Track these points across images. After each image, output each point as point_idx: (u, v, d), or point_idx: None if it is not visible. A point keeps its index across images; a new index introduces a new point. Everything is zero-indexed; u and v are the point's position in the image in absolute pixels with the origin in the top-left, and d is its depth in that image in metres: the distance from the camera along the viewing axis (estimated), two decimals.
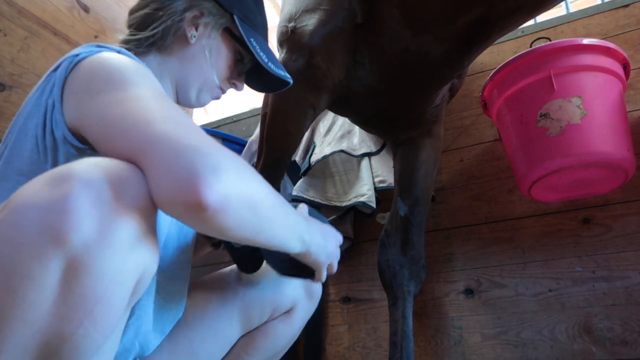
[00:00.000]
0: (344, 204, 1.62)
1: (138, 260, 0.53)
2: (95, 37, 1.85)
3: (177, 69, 0.84)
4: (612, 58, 1.25)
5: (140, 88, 0.63)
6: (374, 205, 1.59)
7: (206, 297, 0.93)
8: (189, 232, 0.92)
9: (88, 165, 0.51)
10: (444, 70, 1.18)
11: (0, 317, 0.46)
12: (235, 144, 1.95)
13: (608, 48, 1.23)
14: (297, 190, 1.64)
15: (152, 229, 0.55)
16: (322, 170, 1.73)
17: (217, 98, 0.92)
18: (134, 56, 0.74)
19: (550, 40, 1.37)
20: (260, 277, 0.96)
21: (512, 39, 1.70)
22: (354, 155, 1.70)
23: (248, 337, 0.96)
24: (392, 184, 1.49)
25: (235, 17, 0.84)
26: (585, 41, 1.23)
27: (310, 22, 1.12)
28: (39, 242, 0.46)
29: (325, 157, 1.68)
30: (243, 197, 0.55)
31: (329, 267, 0.83)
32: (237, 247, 0.87)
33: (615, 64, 1.25)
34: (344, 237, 1.67)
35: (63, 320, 0.48)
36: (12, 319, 0.46)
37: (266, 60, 0.86)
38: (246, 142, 1.96)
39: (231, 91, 0.95)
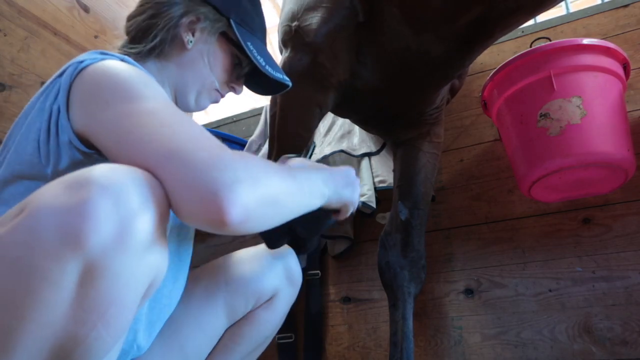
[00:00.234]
0: None
1: (151, 264, 0.54)
2: (95, 37, 1.85)
3: (176, 74, 0.85)
4: (612, 58, 1.25)
5: (150, 100, 0.64)
6: (374, 205, 1.59)
7: (190, 291, 0.95)
8: (188, 231, 0.92)
9: (105, 171, 0.52)
10: (444, 69, 1.18)
11: (17, 319, 0.47)
12: (235, 144, 1.95)
13: (608, 48, 1.23)
14: None
15: (164, 233, 0.56)
16: None
17: (216, 102, 0.92)
18: (136, 64, 0.75)
19: (550, 40, 1.37)
20: (242, 268, 0.98)
21: (512, 39, 1.70)
22: (354, 155, 1.70)
23: (234, 327, 0.98)
24: (392, 184, 1.49)
25: (231, 21, 0.84)
26: (585, 41, 1.23)
27: (313, 20, 1.12)
28: (58, 244, 0.47)
29: (325, 157, 1.68)
30: (263, 199, 0.58)
31: (346, 206, 0.86)
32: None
33: (615, 64, 1.25)
34: (344, 237, 1.68)
35: (78, 322, 0.49)
36: (28, 321, 0.47)
37: (263, 63, 0.86)
38: (246, 142, 1.96)
39: (231, 93, 0.96)
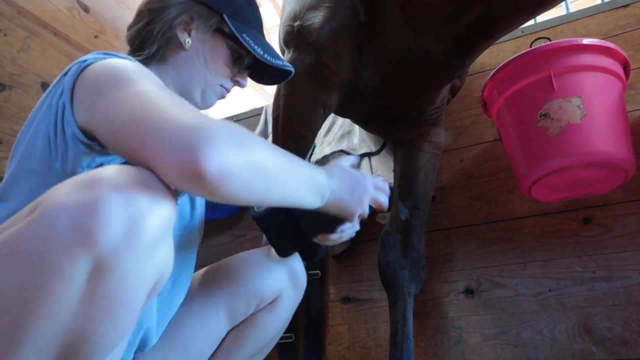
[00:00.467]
0: None
1: (158, 263, 0.56)
2: (95, 37, 1.85)
3: (178, 75, 0.86)
4: (612, 58, 1.25)
5: (139, 84, 0.66)
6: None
7: (192, 293, 0.95)
8: (193, 226, 0.93)
9: (115, 171, 0.54)
10: (445, 69, 1.18)
11: (27, 314, 0.48)
12: None
13: (608, 48, 1.23)
14: None
15: (170, 232, 0.58)
16: None
17: (223, 97, 0.94)
18: (134, 60, 0.78)
19: (550, 40, 1.37)
20: (243, 270, 0.98)
21: (512, 39, 1.70)
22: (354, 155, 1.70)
23: (237, 329, 0.98)
24: (392, 184, 1.49)
25: (224, 16, 0.86)
26: (585, 41, 1.23)
27: (316, 19, 1.12)
28: (70, 241, 0.48)
29: (325, 157, 1.68)
30: (245, 162, 0.59)
31: (361, 214, 0.84)
32: (265, 219, 0.87)
33: (615, 64, 1.25)
34: None
35: (86, 318, 0.50)
36: (38, 316, 0.48)
37: (261, 52, 0.87)
38: None
39: (233, 90, 0.97)
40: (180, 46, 0.85)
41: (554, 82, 1.21)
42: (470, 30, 1.04)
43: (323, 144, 1.77)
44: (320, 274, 1.70)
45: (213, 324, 0.93)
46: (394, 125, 1.40)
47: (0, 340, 0.47)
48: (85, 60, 0.73)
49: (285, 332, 1.61)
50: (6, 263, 0.49)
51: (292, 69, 0.95)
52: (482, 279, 1.49)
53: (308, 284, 1.08)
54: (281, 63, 0.92)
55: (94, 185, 0.51)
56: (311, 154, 1.73)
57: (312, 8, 1.13)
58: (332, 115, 1.83)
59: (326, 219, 0.85)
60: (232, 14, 0.87)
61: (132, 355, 0.82)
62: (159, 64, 0.86)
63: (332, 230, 0.89)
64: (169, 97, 0.64)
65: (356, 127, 1.74)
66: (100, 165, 0.70)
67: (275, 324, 1.00)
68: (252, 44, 0.86)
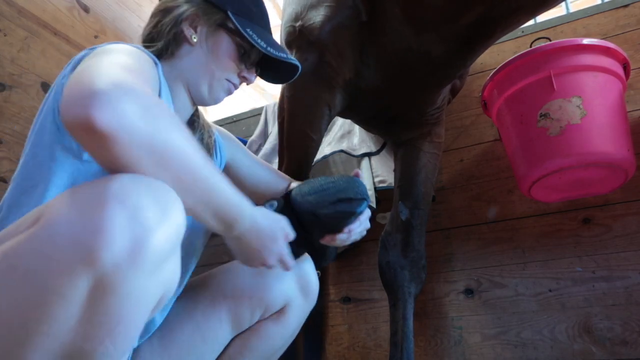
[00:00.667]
0: None
1: (163, 279, 0.54)
2: (95, 37, 1.85)
3: (186, 71, 0.88)
4: (612, 58, 1.25)
5: (111, 55, 0.66)
6: (374, 205, 1.59)
7: (194, 298, 0.93)
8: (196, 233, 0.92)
9: (124, 183, 0.51)
10: (445, 69, 1.18)
11: (26, 331, 0.47)
12: None
13: (608, 48, 1.23)
14: None
15: (178, 245, 0.56)
16: (322, 171, 1.73)
17: (230, 92, 0.95)
18: (144, 49, 0.80)
19: (550, 40, 1.37)
20: (249, 274, 0.95)
21: (512, 39, 1.70)
22: (354, 155, 1.70)
23: (241, 337, 0.94)
24: (392, 184, 1.49)
25: (229, 13, 0.88)
26: (585, 41, 1.23)
27: (317, 19, 1.12)
28: (70, 259, 0.46)
29: (325, 158, 1.68)
30: (140, 134, 0.54)
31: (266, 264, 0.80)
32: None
33: (615, 64, 1.25)
34: None
35: (86, 337, 0.48)
36: (37, 334, 0.47)
37: (265, 45, 0.88)
38: (246, 142, 1.96)
39: (244, 88, 0.97)
40: (187, 41, 0.88)
41: (554, 82, 1.21)
42: (470, 30, 1.04)
43: (323, 144, 1.77)
44: (320, 274, 1.70)
45: (215, 331, 0.90)
46: (394, 125, 1.40)
47: None
48: (83, 56, 0.75)
49: None
50: (5, 277, 0.47)
51: (298, 63, 0.95)
52: (482, 279, 1.49)
53: None
54: (285, 56, 0.93)
55: (98, 198, 0.49)
56: None
57: (312, 8, 1.13)
58: None
59: (333, 219, 0.84)
60: (236, 11, 0.89)
61: (136, 342, 0.82)
62: (168, 59, 0.88)
63: (339, 230, 0.86)
64: (124, 66, 0.63)
65: (356, 127, 1.74)
66: None
67: (281, 336, 0.96)
68: (256, 38, 0.88)
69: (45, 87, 1.59)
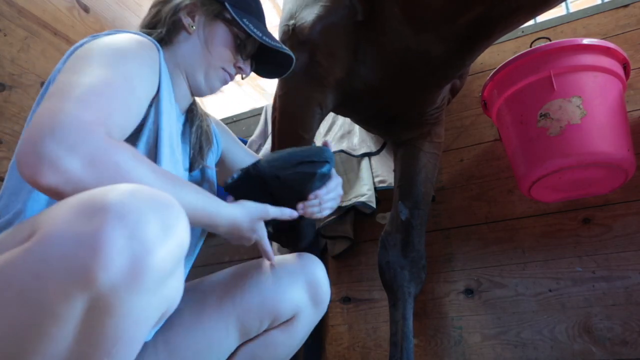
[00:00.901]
0: (344, 204, 1.62)
1: (165, 296, 0.52)
2: None
3: (184, 58, 0.90)
4: (612, 58, 1.25)
5: (87, 68, 0.67)
6: (374, 205, 1.59)
7: (202, 303, 0.90)
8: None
9: (124, 195, 0.49)
10: (445, 69, 1.18)
11: (21, 349, 0.46)
12: None
13: (608, 48, 1.23)
14: None
15: (182, 260, 0.54)
16: None
17: (226, 82, 0.96)
18: (145, 35, 0.82)
19: (550, 40, 1.37)
20: (258, 282, 0.92)
21: (512, 39, 1.70)
22: (354, 155, 1.70)
23: (247, 346, 0.92)
24: (392, 184, 1.49)
25: (226, 3, 0.90)
26: (585, 41, 1.23)
27: (308, 18, 1.12)
28: (66, 280, 0.45)
29: None
30: (85, 184, 0.56)
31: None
32: (237, 188, 0.87)
33: (615, 64, 1.25)
34: (344, 237, 1.68)
35: (83, 357, 0.47)
36: (32, 353, 0.46)
37: (260, 35, 0.90)
38: (246, 142, 1.96)
39: (233, 90, 0.98)
40: (185, 29, 0.90)
41: (554, 82, 1.21)
42: (470, 30, 1.04)
43: None
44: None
45: (221, 339, 0.88)
46: (394, 125, 1.40)
47: None
48: (82, 42, 0.76)
49: None
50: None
51: (292, 54, 0.97)
52: (482, 279, 1.49)
53: None
54: (280, 45, 0.94)
55: (97, 213, 0.46)
56: None
57: (307, 7, 1.14)
58: (332, 115, 1.83)
59: (294, 180, 0.84)
60: (233, 3, 0.91)
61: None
62: (166, 46, 0.90)
63: (304, 193, 0.87)
64: (94, 90, 0.64)
65: (356, 127, 1.74)
66: None
67: (289, 345, 0.93)
68: (252, 27, 0.90)
69: None
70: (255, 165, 0.86)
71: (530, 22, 1.70)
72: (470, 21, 1.02)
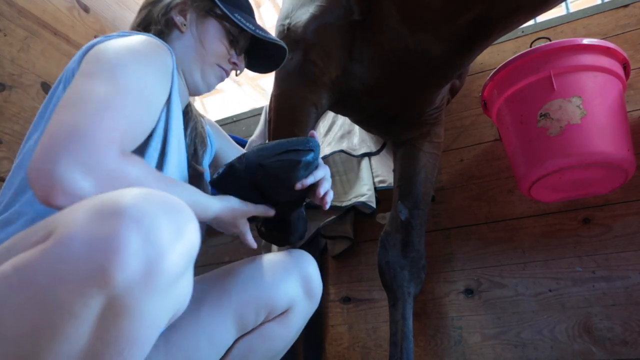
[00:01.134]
0: (344, 204, 1.62)
1: (176, 298, 0.54)
2: (95, 37, 1.85)
3: (179, 57, 0.91)
4: (612, 58, 1.25)
5: (104, 81, 0.68)
6: (374, 205, 1.59)
7: (199, 298, 0.92)
8: None
9: (139, 199, 0.50)
10: (444, 69, 1.18)
11: (36, 348, 0.46)
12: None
13: (608, 48, 1.23)
14: None
15: (192, 262, 0.56)
16: None
17: (222, 79, 0.98)
18: (159, 39, 0.82)
19: (550, 40, 1.37)
20: (254, 277, 0.95)
21: (512, 39, 1.70)
22: (354, 155, 1.70)
23: (244, 339, 0.94)
24: (392, 184, 1.49)
25: (216, 0, 0.92)
26: (585, 41, 1.23)
27: (304, 17, 1.13)
28: (83, 279, 0.46)
29: (325, 158, 1.68)
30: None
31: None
32: (222, 183, 0.88)
33: (615, 64, 1.25)
34: (344, 237, 1.68)
35: (95, 356, 0.48)
36: (46, 351, 0.47)
37: (253, 28, 0.92)
38: (246, 142, 1.96)
39: (233, 90, 0.98)
40: (177, 28, 0.91)
41: (554, 82, 1.21)
42: (469, 30, 1.04)
43: (323, 144, 1.77)
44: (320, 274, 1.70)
45: (219, 332, 0.90)
46: (393, 125, 1.40)
47: None
48: (95, 43, 0.77)
49: None
50: (16, 294, 0.47)
51: (285, 45, 0.98)
52: (482, 279, 1.49)
53: None
54: (271, 37, 0.96)
55: (113, 216, 0.48)
56: None
57: (303, 7, 1.14)
58: (333, 115, 1.83)
59: (279, 168, 0.84)
60: None
61: None
62: None
63: (290, 183, 0.86)
64: (106, 103, 0.65)
65: (356, 127, 1.74)
66: None
67: (285, 337, 0.95)
68: (244, 21, 0.91)
69: (45, 87, 1.59)
70: (240, 157, 0.86)
71: (530, 22, 1.70)
72: (469, 21, 1.02)
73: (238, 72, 1.01)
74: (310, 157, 0.86)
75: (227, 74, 0.98)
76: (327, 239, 1.73)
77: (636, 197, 1.38)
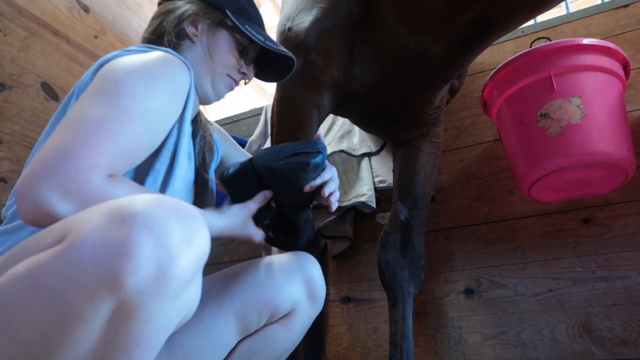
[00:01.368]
0: (344, 204, 1.62)
1: (185, 303, 0.54)
2: (95, 37, 1.85)
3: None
4: (612, 58, 1.25)
5: (106, 105, 0.68)
6: (374, 205, 1.59)
7: (202, 301, 0.90)
8: None
9: (151, 205, 0.51)
10: (444, 69, 1.18)
11: (45, 350, 0.47)
12: None
13: (608, 48, 1.23)
14: None
15: (201, 268, 0.56)
16: None
17: (232, 88, 0.99)
18: (179, 56, 0.82)
19: (550, 40, 1.37)
20: (257, 279, 0.94)
21: (512, 39, 1.70)
22: (354, 155, 1.70)
23: (247, 341, 0.93)
24: (392, 184, 1.49)
25: (227, 12, 0.93)
26: (585, 41, 1.23)
27: (306, 19, 1.13)
28: (95, 283, 0.47)
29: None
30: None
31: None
32: (233, 181, 0.89)
33: (615, 64, 1.25)
34: (344, 237, 1.68)
35: (103, 359, 0.49)
36: (56, 354, 0.47)
37: (263, 40, 0.93)
38: (246, 142, 1.96)
39: (233, 91, 1.02)
40: (189, 38, 0.92)
41: (554, 82, 1.21)
42: (469, 30, 1.04)
43: None
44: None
45: (222, 334, 0.89)
46: (393, 126, 1.40)
47: None
48: (111, 57, 0.78)
49: None
50: (28, 295, 0.47)
51: (293, 56, 0.99)
52: (482, 279, 1.49)
53: None
54: (281, 49, 0.97)
55: (126, 221, 0.49)
56: None
57: (305, 8, 1.14)
58: (332, 115, 1.83)
59: (288, 171, 0.84)
60: (234, 10, 0.94)
61: None
62: None
63: (299, 185, 0.86)
64: (109, 130, 0.65)
65: (356, 127, 1.74)
66: None
67: (288, 340, 0.95)
68: (254, 32, 0.92)
69: (45, 87, 1.59)
70: (250, 159, 0.87)
71: (530, 22, 1.71)
72: (469, 21, 1.02)
73: (247, 81, 1.02)
74: (319, 159, 0.87)
75: (237, 83, 0.99)
76: (327, 239, 1.73)
77: (636, 197, 1.38)
